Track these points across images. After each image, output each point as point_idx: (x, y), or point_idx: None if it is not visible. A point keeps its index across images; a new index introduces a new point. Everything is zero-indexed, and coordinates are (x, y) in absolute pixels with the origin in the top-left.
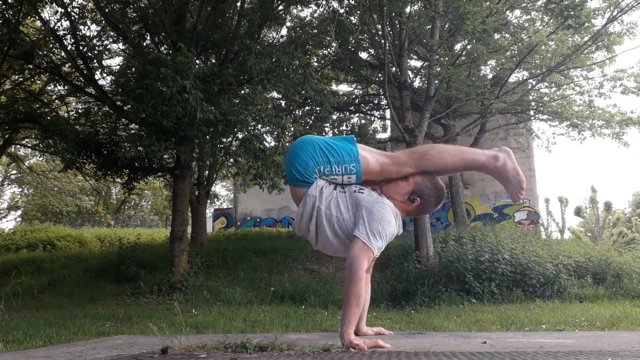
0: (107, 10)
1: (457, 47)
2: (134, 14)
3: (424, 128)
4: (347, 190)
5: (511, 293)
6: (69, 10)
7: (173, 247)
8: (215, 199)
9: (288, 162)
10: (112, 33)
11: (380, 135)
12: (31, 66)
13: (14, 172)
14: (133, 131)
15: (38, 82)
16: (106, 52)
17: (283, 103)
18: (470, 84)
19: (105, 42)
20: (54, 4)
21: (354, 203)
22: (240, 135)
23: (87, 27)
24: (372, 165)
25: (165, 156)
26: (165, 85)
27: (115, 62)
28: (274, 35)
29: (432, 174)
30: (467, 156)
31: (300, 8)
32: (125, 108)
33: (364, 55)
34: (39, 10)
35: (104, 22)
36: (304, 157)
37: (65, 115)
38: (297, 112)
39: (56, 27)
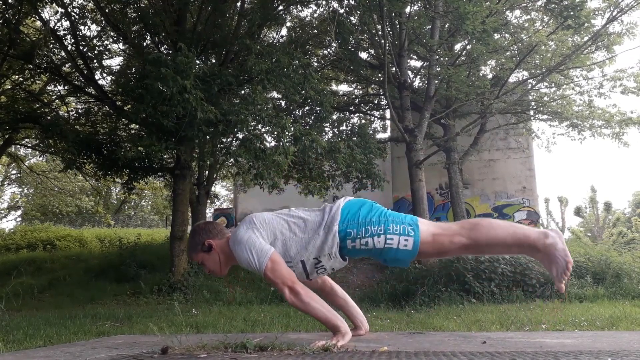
0: (107, 11)
1: (457, 47)
2: (134, 14)
3: (423, 128)
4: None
5: (511, 293)
6: (69, 10)
7: (173, 247)
8: (215, 199)
9: None
10: (112, 33)
11: (380, 135)
12: (31, 66)
13: (14, 172)
14: (133, 131)
15: (38, 82)
16: (106, 52)
17: (283, 103)
18: (470, 84)
19: (106, 42)
20: (54, 4)
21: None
22: (240, 135)
23: (87, 27)
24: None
25: (165, 156)
26: (165, 85)
27: (115, 62)
28: (274, 35)
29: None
30: (518, 230)
31: (300, 8)
32: (125, 108)
33: (364, 55)
34: (39, 10)
35: (104, 22)
36: None
37: (66, 115)
38: (297, 112)
39: (56, 27)
